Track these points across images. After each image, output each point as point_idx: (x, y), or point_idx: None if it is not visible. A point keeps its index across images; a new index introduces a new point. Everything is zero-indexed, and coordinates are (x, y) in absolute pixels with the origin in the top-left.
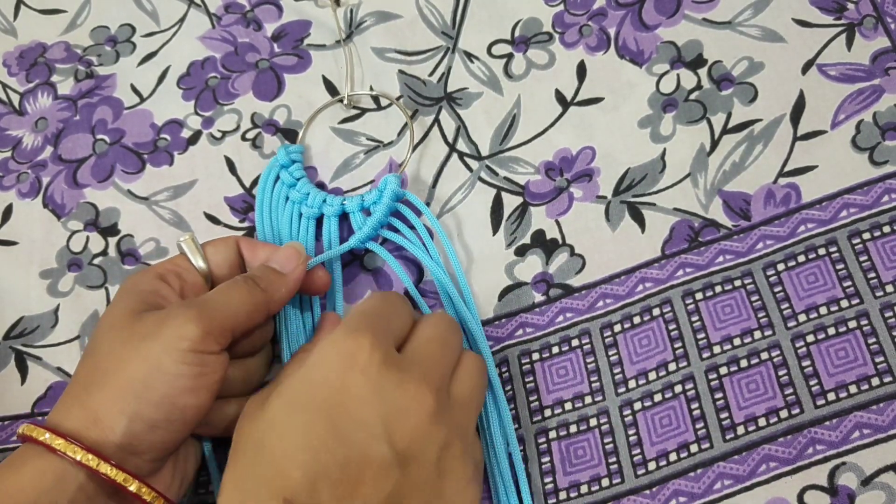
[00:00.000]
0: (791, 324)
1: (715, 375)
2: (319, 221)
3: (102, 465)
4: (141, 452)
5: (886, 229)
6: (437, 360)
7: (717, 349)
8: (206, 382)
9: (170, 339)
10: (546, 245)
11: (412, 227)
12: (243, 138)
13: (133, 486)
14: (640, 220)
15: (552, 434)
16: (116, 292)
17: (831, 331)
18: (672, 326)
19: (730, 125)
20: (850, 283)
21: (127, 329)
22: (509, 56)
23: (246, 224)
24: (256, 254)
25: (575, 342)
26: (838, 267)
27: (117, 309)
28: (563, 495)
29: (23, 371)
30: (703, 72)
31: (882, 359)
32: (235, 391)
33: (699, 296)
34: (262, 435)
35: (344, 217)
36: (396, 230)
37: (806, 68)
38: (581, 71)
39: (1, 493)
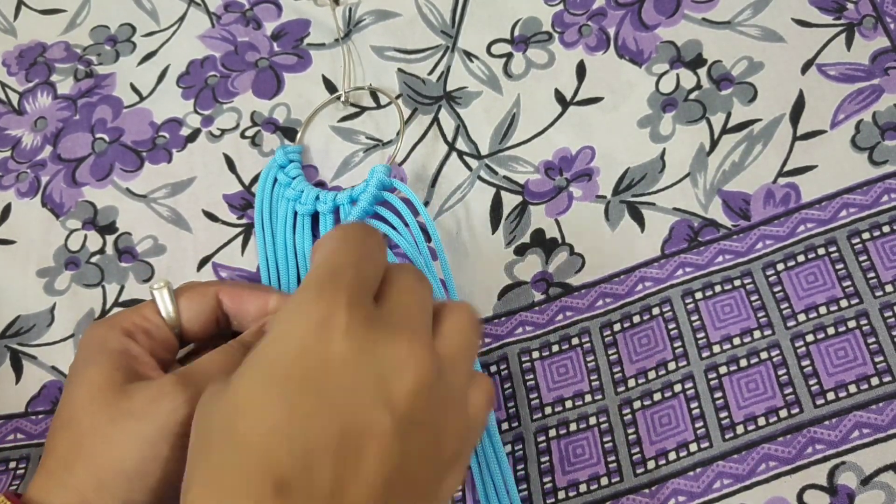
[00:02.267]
0: (790, 323)
1: (714, 375)
2: (316, 219)
3: None
4: None
5: (886, 229)
6: (421, 313)
7: (716, 348)
8: None
9: (166, 424)
10: (545, 244)
11: (406, 224)
12: (242, 136)
13: None
14: (639, 220)
15: (552, 433)
16: (81, 345)
17: (831, 330)
18: (672, 326)
19: (729, 125)
20: (849, 282)
21: (112, 405)
22: (509, 55)
23: (244, 221)
24: (243, 306)
25: (575, 341)
26: (838, 267)
27: (94, 374)
28: (561, 494)
29: (17, 370)
30: (702, 71)
31: (881, 358)
32: None
33: (699, 295)
34: (229, 421)
35: (338, 211)
36: (392, 226)
37: (805, 68)
38: (581, 70)
39: None
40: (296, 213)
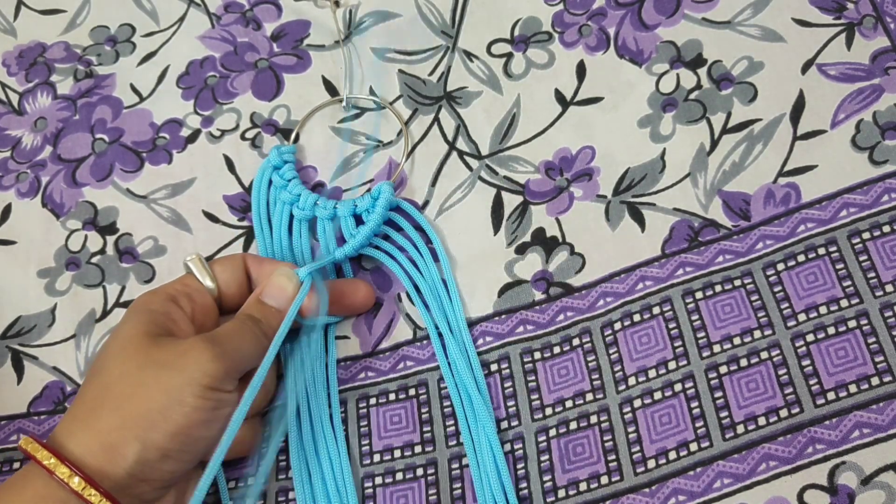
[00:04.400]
0: (791, 323)
1: (715, 374)
2: (313, 222)
3: (104, 501)
4: (150, 480)
5: (886, 229)
6: None
7: (716, 348)
8: (219, 416)
9: (192, 374)
10: (546, 243)
11: (403, 233)
12: (242, 137)
13: None
14: (639, 220)
15: (552, 432)
16: (127, 311)
17: (831, 330)
18: (672, 325)
19: (729, 125)
20: (849, 282)
21: (142, 353)
22: (509, 55)
23: (245, 223)
24: (263, 270)
25: (576, 341)
26: (838, 266)
27: (129, 328)
28: (561, 493)
29: (19, 371)
30: (702, 71)
31: (882, 358)
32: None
33: (699, 295)
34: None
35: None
36: (387, 237)
37: (806, 68)
38: (581, 70)
39: None
40: (292, 216)
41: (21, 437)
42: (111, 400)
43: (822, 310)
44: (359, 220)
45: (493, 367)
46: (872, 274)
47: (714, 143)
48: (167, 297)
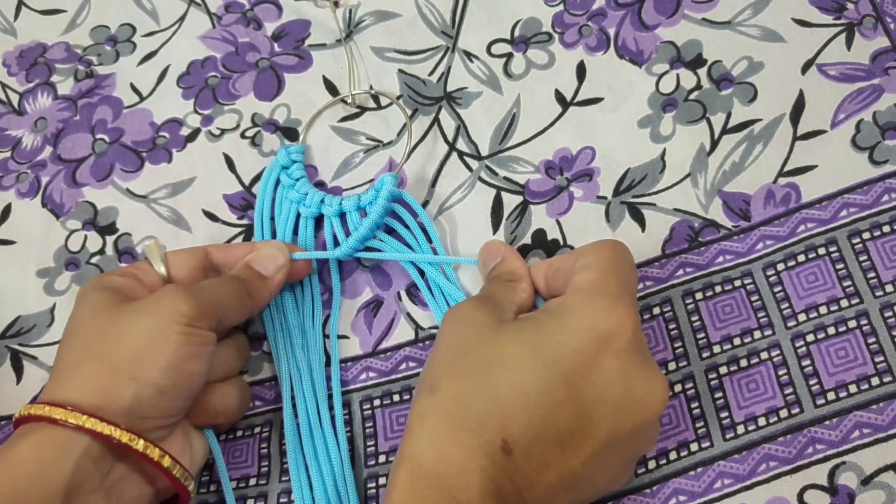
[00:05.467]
0: (791, 323)
1: (715, 375)
2: (319, 221)
3: (106, 426)
4: (149, 417)
5: (886, 229)
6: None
7: (716, 349)
8: (205, 351)
9: (168, 313)
10: (547, 245)
11: (408, 227)
12: (242, 136)
13: (139, 445)
14: (640, 220)
15: None
16: (79, 292)
17: (831, 330)
18: (672, 325)
19: (729, 125)
20: (849, 282)
21: (114, 311)
22: (509, 56)
23: (244, 221)
24: (231, 254)
25: None
26: (838, 266)
27: (93, 299)
28: None
29: (18, 370)
30: (702, 72)
31: (882, 358)
32: (217, 376)
33: (699, 295)
34: (491, 363)
35: (343, 215)
36: (392, 230)
37: (806, 68)
38: (581, 71)
39: None
40: (298, 215)
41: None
42: (94, 353)
43: (822, 310)
44: (364, 215)
45: None
46: (872, 274)
47: (714, 144)
48: (118, 275)
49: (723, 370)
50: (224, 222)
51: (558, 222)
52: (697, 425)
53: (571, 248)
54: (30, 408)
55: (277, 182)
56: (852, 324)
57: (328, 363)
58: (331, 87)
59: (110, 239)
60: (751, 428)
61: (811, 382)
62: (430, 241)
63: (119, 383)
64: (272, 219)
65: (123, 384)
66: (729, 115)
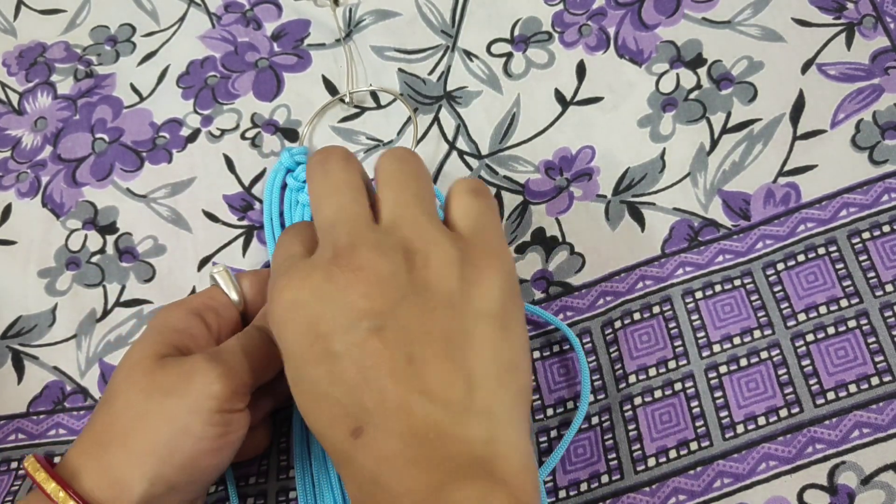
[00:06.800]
0: (791, 323)
1: (714, 374)
2: None
3: None
4: None
5: (886, 229)
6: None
7: (716, 348)
8: (230, 441)
9: (197, 399)
10: (546, 242)
11: None
12: (242, 137)
13: None
14: (639, 220)
15: (553, 433)
16: (146, 328)
17: (831, 330)
18: (672, 325)
19: (729, 125)
20: (849, 282)
21: (148, 378)
22: (509, 55)
23: (245, 222)
24: None
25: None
26: (838, 266)
27: (139, 350)
28: (562, 493)
29: (19, 370)
30: (702, 71)
31: (882, 358)
32: (245, 456)
33: (699, 294)
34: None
35: None
36: None
37: (805, 68)
38: (581, 70)
39: None
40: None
41: (26, 458)
42: (118, 432)
43: (822, 309)
44: None
45: None
46: (872, 274)
47: (714, 143)
48: (190, 311)
49: (722, 369)
50: (224, 223)
51: (557, 220)
52: (697, 424)
53: (570, 245)
54: (46, 480)
55: (284, 186)
56: (852, 323)
57: None
58: (330, 87)
59: (111, 238)
60: (750, 427)
61: (811, 382)
62: None
63: (133, 478)
64: (282, 225)
65: (137, 480)
66: (729, 115)
